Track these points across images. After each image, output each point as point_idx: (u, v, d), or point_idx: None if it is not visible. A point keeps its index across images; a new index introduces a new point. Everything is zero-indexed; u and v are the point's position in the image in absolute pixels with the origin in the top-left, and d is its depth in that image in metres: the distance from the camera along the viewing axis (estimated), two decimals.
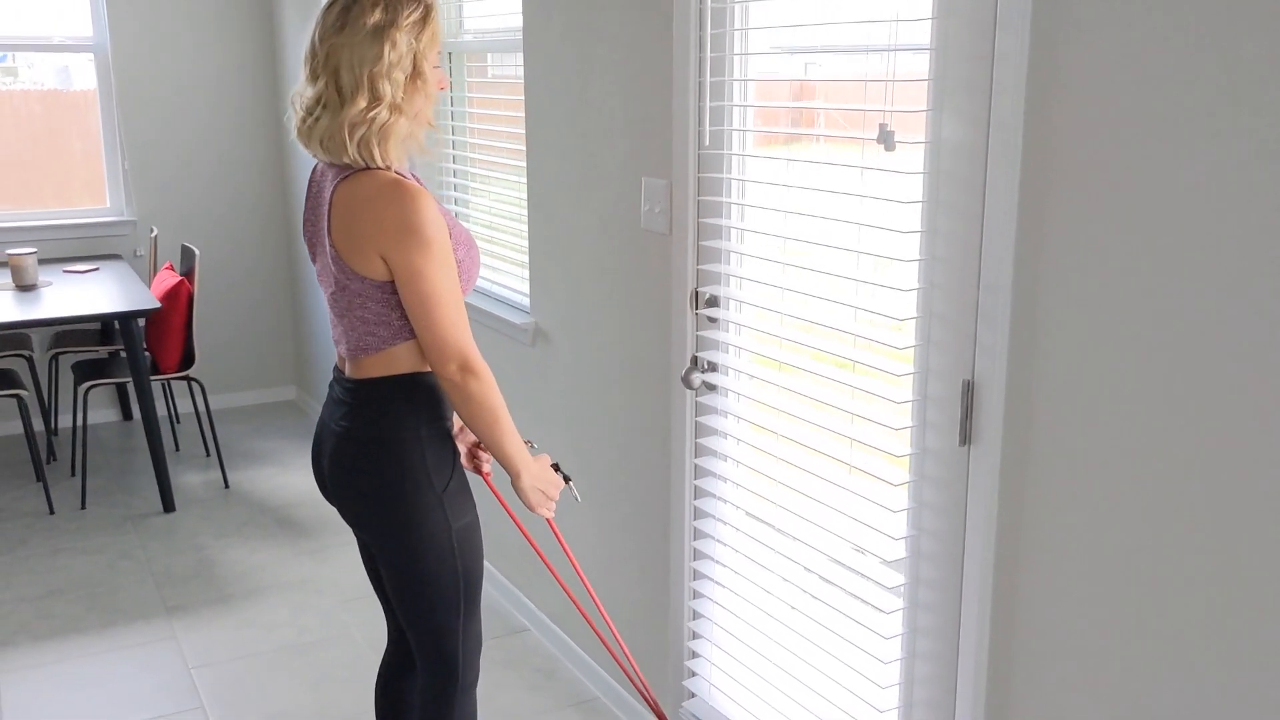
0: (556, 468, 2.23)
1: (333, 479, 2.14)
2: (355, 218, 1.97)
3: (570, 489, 2.30)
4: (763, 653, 2.45)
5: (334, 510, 4.48)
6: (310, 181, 2.15)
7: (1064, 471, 1.72)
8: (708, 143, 2.41)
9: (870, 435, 2.07)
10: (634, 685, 2.52)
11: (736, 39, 2.32)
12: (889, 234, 1.96)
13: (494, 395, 2.04)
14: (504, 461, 2.10)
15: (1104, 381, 1.64)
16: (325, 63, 1.98)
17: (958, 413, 1.88)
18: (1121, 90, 1.56)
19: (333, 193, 2.00)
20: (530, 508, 2.18)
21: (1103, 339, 1.63)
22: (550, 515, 2.22)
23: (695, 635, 2.71)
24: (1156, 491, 1.59)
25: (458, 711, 2.23)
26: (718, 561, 2.60)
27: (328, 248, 2.03)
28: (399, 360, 2.06)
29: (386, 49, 1.96)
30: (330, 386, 2.18)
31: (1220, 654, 1.55)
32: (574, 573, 2.48)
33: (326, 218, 2.02)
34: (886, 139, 1.91)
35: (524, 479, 2.13)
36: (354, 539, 4.19)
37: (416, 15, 2.00)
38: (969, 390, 1.86)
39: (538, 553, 2.41)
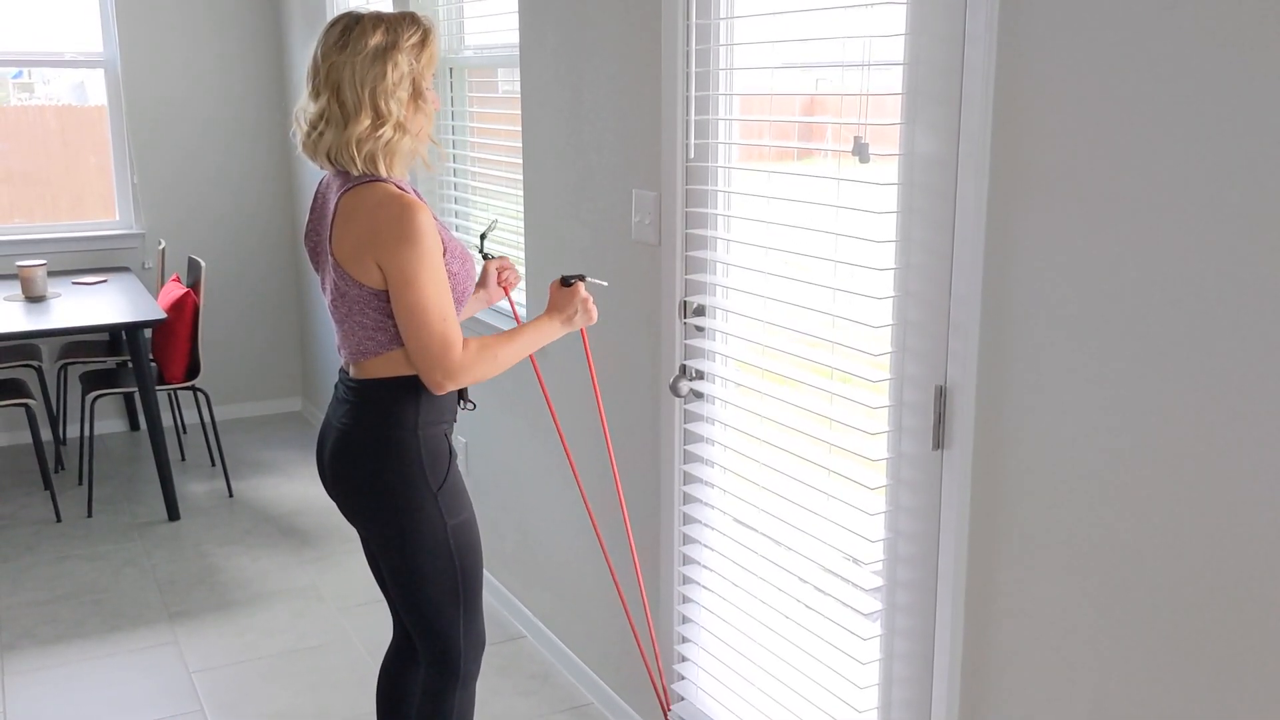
0: (565, 280, 2.29)
1: (333, 474, 2.22)
2: (355, 226, 2.05)
3: (589, 283, 2.33)
4: (748, 655, 2.50)
5: (336, 519, 4.56)
6: (316, 193, 2.24)
7: (1033, 474, 1.77)
8: (694, 155, 2.46)
9: (849, 441, 2.12)
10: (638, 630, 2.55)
11: (721, 54, 2.38)
12: (866, 244, 2.01)
13: (490, 365, 2.14)
14: (540, 346, 2.26)
15: (1071, 387, 1.68)
16: (326, 80, 2.07)
17: (931, 418, 1.92)
18: (1085, 100, 1.60)
19: (337, 203, 2.08)
20: (585, 325, 2.31)
21: (1069, 346, 1.68)
22: (594, 317, 2.31)
23: (684, 639, 2.75)
24: (1124, 492, 1.64)
25: (455, 704, 2.30)
26: (705, 566, 2.65)
27: (329, 256, 2.11)
28: (398, 363, 2.13)
29: (389, 69, 2.05)
30: (335, 386, 2.27)
31: (1194, 651, 1.59)
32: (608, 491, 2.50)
33: (329, 227, 2.10)
34: (861, 151, 1.96)
35: (560, 328, 2.28)
36: (355, 548, 4.26)
37: (416, 38, 2.09)
38: (941, 396, 1.90)
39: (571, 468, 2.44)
